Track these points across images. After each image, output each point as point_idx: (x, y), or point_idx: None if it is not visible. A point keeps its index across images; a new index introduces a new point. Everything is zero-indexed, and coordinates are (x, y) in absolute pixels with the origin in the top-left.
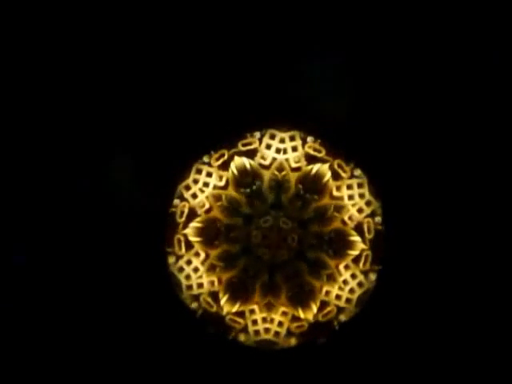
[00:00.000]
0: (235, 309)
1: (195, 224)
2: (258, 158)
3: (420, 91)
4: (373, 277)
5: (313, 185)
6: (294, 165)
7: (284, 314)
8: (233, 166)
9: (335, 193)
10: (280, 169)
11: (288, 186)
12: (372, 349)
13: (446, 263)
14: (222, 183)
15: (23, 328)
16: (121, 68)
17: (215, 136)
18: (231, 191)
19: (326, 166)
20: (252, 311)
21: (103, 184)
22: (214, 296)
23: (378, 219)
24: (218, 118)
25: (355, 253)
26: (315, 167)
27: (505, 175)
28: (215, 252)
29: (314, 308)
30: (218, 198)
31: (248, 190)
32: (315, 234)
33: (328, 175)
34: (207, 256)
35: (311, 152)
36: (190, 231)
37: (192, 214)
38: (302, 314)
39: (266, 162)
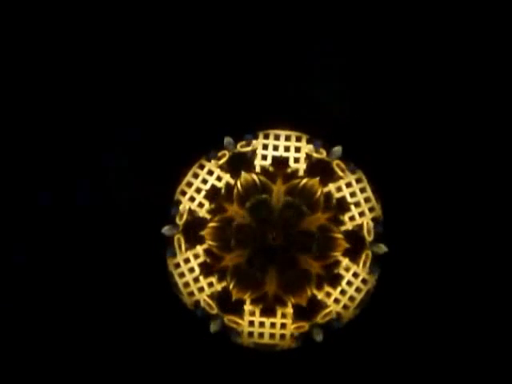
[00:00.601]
0: (246, 296)
1: (213, 224)
2: (258, 160)
3: (420, 91)
4: (373, 278)
5: (308, 198)
6: (293, 165)
7: (283, 315)
8: (238, 184)
9: (336, 195)
10: (280, 176)
11: (282, 196)
12: (372, 350)
13: (446, 264)
14: (222, 184)
15: (23, 328)
16: (122, 69)
17: (215, 137)
18: (235, 207)
19: (316, 180)
20: (252, 313)
21: (103, 183)
22: (214, 296)
23: (378, 220)
24: (217, 120)
25: (338, 254)
26: (303, 181)
27: (505, 175)
28: (230, 256)
29: (309, 292)
30: (219, 209)
31: (252, 205)
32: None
33: (319, 191)
34: (214, 257)
35: (311, 153)
36: (207, 233)
37: (192, 215)
38: (293, 300)
39: (267, 163)
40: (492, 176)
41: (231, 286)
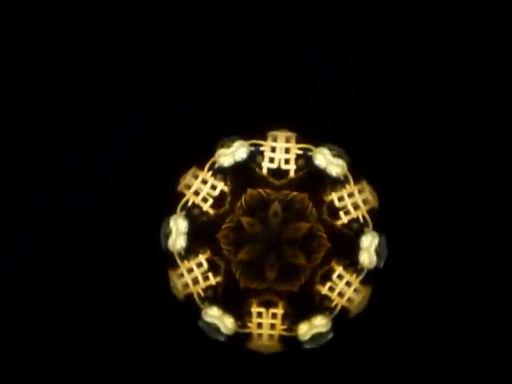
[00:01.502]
0: (254, 286)
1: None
2: (262, 162)
3: (421, 93)
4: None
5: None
6: (285, 166)
7: (274, 316)
8: (243, 199)
9: (337, 204)
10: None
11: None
12: (369, 353)
13: (446, 268)
14: (216, 193)
15: (22, 328)
16: (123, 69)
17: (213, 140)
18: (238, 215)
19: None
20: (259, 314)
21: (103, 185)
22: (214, 295)
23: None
24: (216, 122)
25: (321, 255)
26: (292, 194)
27: (506, 180)
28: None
29: (303, 279)
30: (222, 217)
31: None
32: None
33: (310, 205)
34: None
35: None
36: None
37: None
38: (283, 287)
39: (273, 165)
40: (490, 179)
41: (237, 275)
